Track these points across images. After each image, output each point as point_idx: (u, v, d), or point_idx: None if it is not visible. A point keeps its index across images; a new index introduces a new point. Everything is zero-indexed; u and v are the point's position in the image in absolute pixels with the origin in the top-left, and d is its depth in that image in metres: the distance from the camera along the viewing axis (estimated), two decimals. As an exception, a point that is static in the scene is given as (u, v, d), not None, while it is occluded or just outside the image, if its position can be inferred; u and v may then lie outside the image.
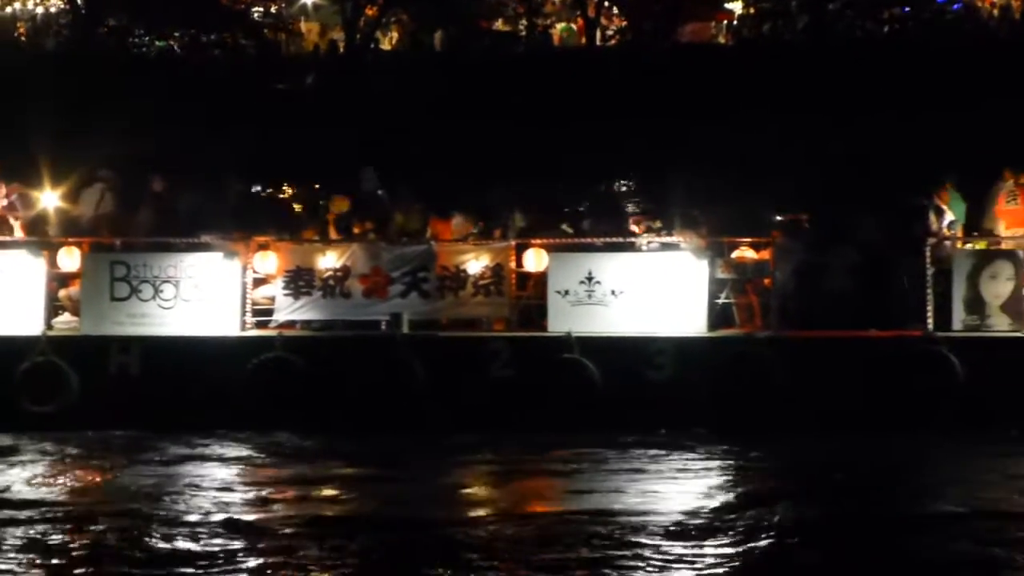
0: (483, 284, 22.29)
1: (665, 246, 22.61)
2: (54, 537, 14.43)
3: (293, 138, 34.27)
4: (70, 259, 22.72)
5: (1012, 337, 21.18)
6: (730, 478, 18.21)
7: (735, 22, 48.02)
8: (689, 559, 13.48)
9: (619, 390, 21.13)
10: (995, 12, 42.78)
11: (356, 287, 22.43)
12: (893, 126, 28.17)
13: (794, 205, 24.42)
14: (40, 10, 46.19)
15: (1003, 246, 21.92)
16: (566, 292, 21.92)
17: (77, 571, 13.10)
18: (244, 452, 19.95)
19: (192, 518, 15.29)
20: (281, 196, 32.92)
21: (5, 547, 13.88)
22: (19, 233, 23.83)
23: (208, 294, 22.17)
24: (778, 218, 24.36)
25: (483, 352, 21.67)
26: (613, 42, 47.22)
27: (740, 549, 13.92)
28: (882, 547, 14.25)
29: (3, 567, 13.13)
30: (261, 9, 46.89)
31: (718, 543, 14.11)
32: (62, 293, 22.96)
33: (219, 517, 15.29)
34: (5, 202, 24.13)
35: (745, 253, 22.53)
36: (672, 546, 13.92)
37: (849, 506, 16.27)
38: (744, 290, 22.33)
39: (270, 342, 21.80)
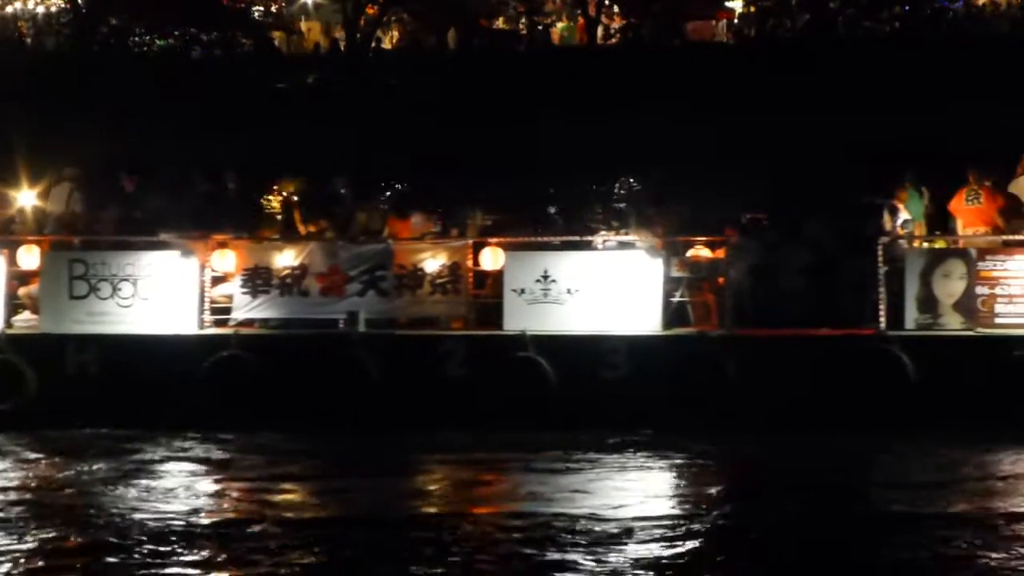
0: (440, 283, 22.31)
1: (621, 245, 22.58)
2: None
3: (292, 136, 34.37)
4: (30, 257, 22.82)
5: (964, 336, 21.09)
6: (676, 478, 18.17)
7: (735, 20, 48.09)
8: (613, 563, 13.36)
9: (574, 389, 21.10)
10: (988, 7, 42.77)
11: (314, 285, 22.50)
12: (857, 125, 28.09)
13: (755, 205, 24.36)
14: (41, 9, 46.45)
15: (958, 244, 21.81)
16: (522, 291, 21.91)
17: (14, 573, 13.10)
18: (197, 451, 19.94)
19: (145, 517, 15.25)
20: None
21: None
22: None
23: (166, 292, 22.25)
24: (749, 217, 24.32)
25: (438, 351, 21.68)
26: (614, 41, 47.31)
27: (676, 551, 13.82)
28: (826, 549, 14.19)
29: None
30: (261, 8, 47.14)
31: (659, 545, 14.01)
32: (22, 291, 23.09)
33: (172, 517, 15.25)
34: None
35: (700, 252, 22.49)
36: (597, 550, 13.79)
37: (792, 507, 16.11)
38: (700, 288, 22.29)
39: (227, 340, 21.87)
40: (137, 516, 15.28)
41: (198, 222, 23.20)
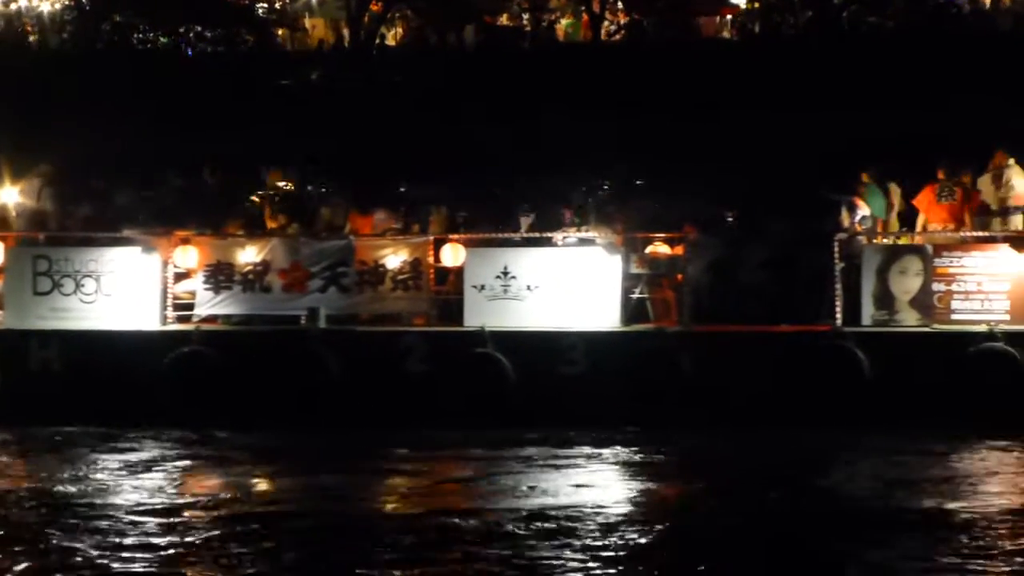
0: (402, 279, 22.36)
1: (581, 241, 22.58)
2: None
3: (292, 134, 34.38)
4: (-6, 253, 23.01)
5: (920, 332, 21.03)
6: (632, 475, 18.12)
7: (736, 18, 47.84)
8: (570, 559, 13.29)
9: (532, 385, 21.16)
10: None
11: (276, 281, 22.58)
12: (820, 121, 27.99)
13: (728, 202, 24.31)
14: (46, 7, 46.64)
15: (915, 240, 21.77)
16: (482, 287, 21.95)
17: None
18: (157, 448, 19.96)
19: (108, 513, 15.21)
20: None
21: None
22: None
23: (129, 289, 22.40)
24: (727, 216, 24.29)
25: (398, 347, 21.76)
26: (618, 37, 47.20)
27: (631, 547, 13.74)
28: (779, 546, 14.12)
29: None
30: (265, 5, 47.15)
31: (614, 540, 13.95)
32: (-15, 287, 23.24)
33: (134, 513, 15.21)
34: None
35: (659, 248, 22.47)
36: (537, 545, 13.75)
37: (748, 506, 16.01)
38: (660, 285, 22.28)
39: (188, 336, 21.98)
40: (96, 513, 15.22)
41: (170, 218, 23.31)
